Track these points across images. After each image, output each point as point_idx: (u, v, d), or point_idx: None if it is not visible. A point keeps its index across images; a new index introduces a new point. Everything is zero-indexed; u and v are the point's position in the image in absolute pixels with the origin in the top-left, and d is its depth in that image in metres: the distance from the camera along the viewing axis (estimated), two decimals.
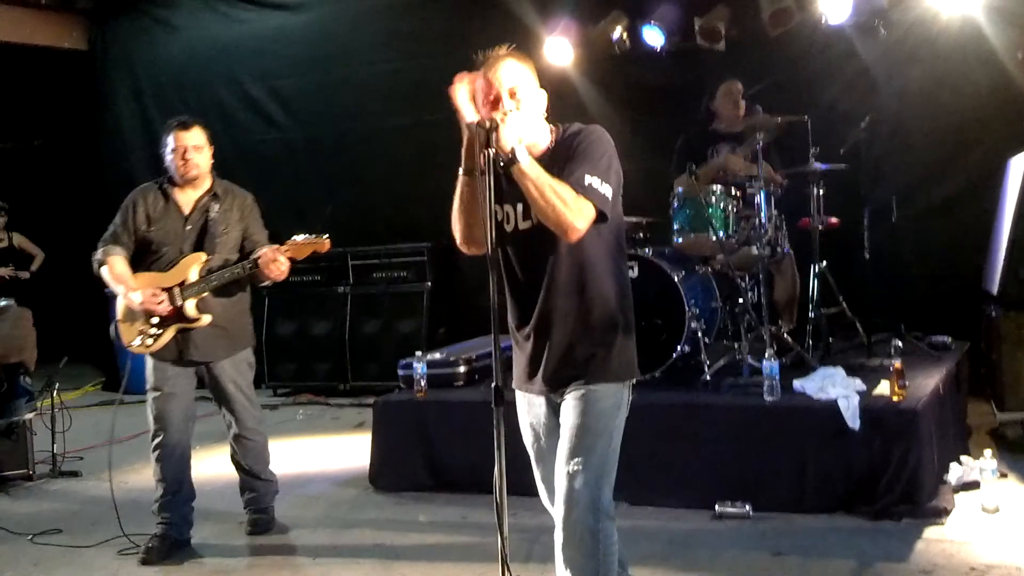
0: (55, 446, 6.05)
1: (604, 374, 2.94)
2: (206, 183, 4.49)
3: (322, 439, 6.77)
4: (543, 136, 2.97)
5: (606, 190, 2.82)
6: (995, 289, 5.49)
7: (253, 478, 4.65)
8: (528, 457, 3.10)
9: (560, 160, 2.89)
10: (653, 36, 7.47)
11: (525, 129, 2.84)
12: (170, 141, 4.40)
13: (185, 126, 4.38)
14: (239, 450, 4.60)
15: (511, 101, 2.85)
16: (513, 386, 3.09)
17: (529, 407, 3.07)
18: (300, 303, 8.52)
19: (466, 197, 2.91)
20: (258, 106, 9.37)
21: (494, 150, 2.71)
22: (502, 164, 2.78)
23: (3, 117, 10.55)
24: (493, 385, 2.62)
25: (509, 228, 2.95)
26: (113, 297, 4.56)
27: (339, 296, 8.42)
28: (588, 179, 2.80)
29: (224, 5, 9.50)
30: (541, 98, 2.96)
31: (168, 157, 4.42)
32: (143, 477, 5.25)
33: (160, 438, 4.42)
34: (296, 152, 9.18)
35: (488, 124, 2.72)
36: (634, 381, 3.05)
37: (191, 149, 4.37)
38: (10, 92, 10.25)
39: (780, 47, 7.17)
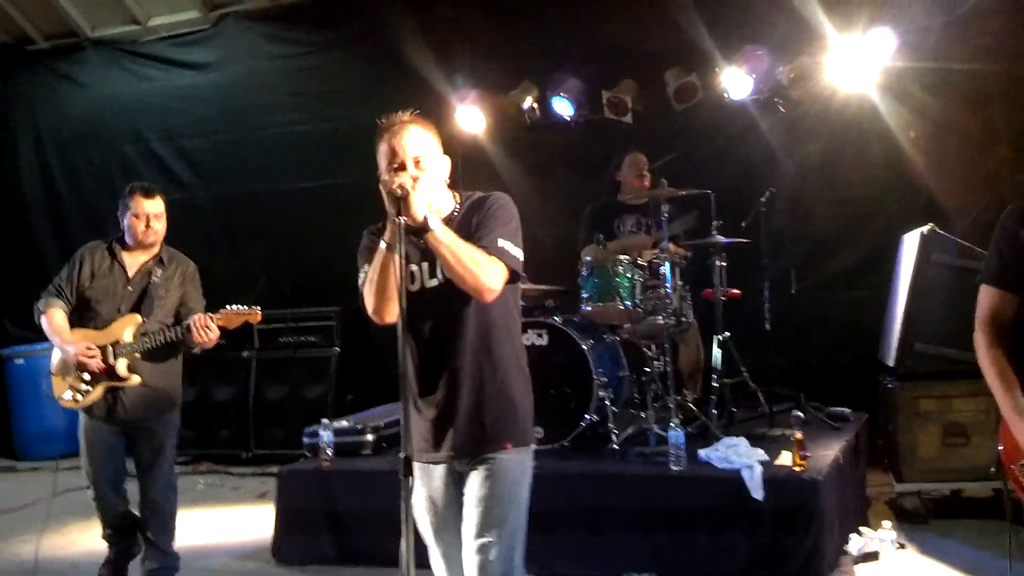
0: None
1: (512, 439, 2.93)
2: (155, 248, 4.59)
3: (223, 510, 6.57)
4: (446, 202, 3.00)
5: (517, 252, 2.89)
6: (891, 361, 5.66)
7: (157, 550, 4.53)
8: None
9: (466, 225, 2.92)
10: (562, 107, 7.62)
11: (433, 192, 2.87)
12: (132, 205, 4.48)
13: (148, 193, 4.50)
14: (148, 517, 4.52)
15: (415, 169, 2.86)
16: (412, 453, 3.04)
17: (428, 479, 3.00)
18: (202, 367, 8.19)
19: (381, 268, 2.89)
20: (164, 164, 9.19)
21: (405, 218, 2.71)
22: (414, 232, 2.77)
23: None
24: (402, 455, 2.58)
25: (415, 288, 2.94)
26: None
27: (243, 361, 8.19)
28: (501, 242, 2.85)
29: (132, 63, 9.34)
30: (444, 164, 2.99)
31: (127, 219, 4.50)
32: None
33: (94, 494, 4.48)
34: (202, 212, 9.00)
35: (400, 192, 2.73)
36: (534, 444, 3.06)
37: (153, 217, 4.50)
38: None
39: (685, 121, 7.39)
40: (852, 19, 6.64)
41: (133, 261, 4.55)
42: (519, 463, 2.95)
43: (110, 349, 4.37)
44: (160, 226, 4.55)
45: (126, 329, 4.41)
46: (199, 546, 5.54)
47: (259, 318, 4.48)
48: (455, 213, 2.99)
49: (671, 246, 5.73)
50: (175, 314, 4.53)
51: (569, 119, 7.68)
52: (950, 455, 5.21)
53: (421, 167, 2.87)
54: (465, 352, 2.92)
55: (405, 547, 2.57)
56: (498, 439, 2.91)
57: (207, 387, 8.25)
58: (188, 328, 4.34)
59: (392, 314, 2.87)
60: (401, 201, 2.72)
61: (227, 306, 4.42)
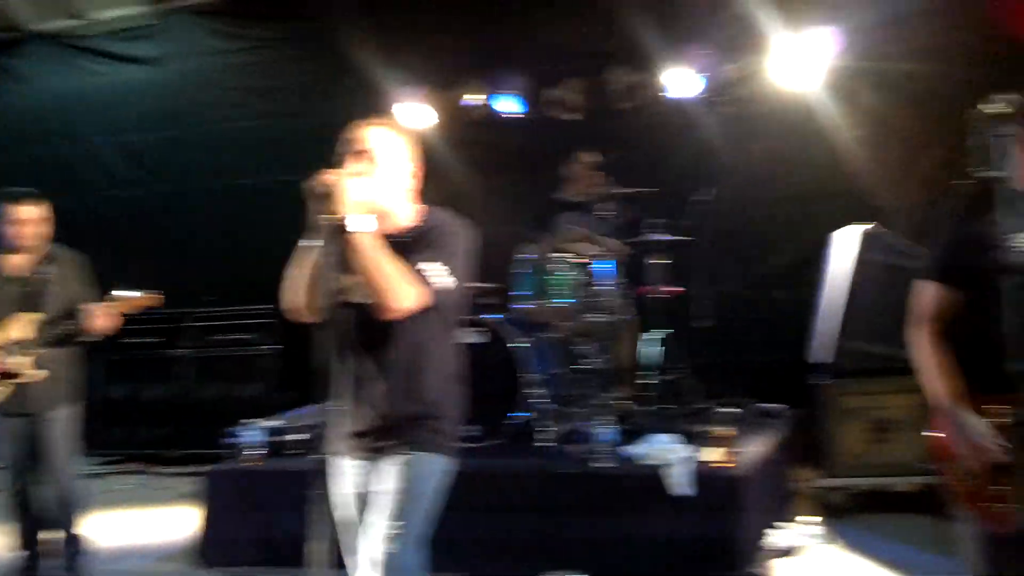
0: None
1: (430, 443, 2.93)
2: (41, 250, 4.66)
3: (149, 510, 6.47)
4: (404, 211, 2.97)
5: (447, 282, 2.83)
6: (821, 358, 5.70)
7: (68, 543, 4.56)
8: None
9: (419, 243, 2.89)
10: (509, 105, 7.62)
11: (374, 197, 2.82)
12: (5, 212, 4.59)
13: (18, 200, 4.59)
14: (50, 499, 4.55)
15: (358, 165, 2.84)
16: (334, 451, 3.03)
17: (351, 476, 3.01)
18: (135, 366, 8.12)
19: (303, 265, 2.86)
20: (105, 161, 9.08)
21: (330, 215, 2.67)
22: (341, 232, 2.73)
23: None
24: (325, 454, 2.55)
25: (350, 297, 2.90)
26: None
27: (178, 359, 8.08)
28: (431, 267, 2.81)
29: (75, 57, 9.22)
30: (404, 170, 2.95)
31: (3, 226, 4.61)
32: None
33: (8, 492, 4.56)
34: (145, 208, 8.89)
35: (321, 188, 2.68)
36: (457, 453, 3.05)
37: (27, 222, 4.59)
38: None
39: (630, 120, 7.40)
40: (795, 19, 6.68)
41: (21, 262, 4.64)
42: (437, 465, 2.96)
43: (11, 347, 4.47)
44: (38, 230, 4.63)
45: (22, 327, 4.50)
46: (123, 547, 5.46)
47: (160, 301, 4.68)
48: (414, 229, 2.97)
49: (613, 242, 5.74)
50: (70, 307, 4.58)
51: (515, 117, 7.68)
52: (877, 451, 5.27)
53: (369, 164, 2.85)
54: (395, 351, 2.90)
55: (318, 547, 2.56)
56: (420, 441, 2.91)
57: (139, 386, 8.13)
58: (82, 318, 4.47)
59: (312, 313, 2.85)
60: (325, 198, 2.68)
61: (116, 292, 4.55)
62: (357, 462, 2.98)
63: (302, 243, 2.81)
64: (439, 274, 2.82)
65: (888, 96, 6.82)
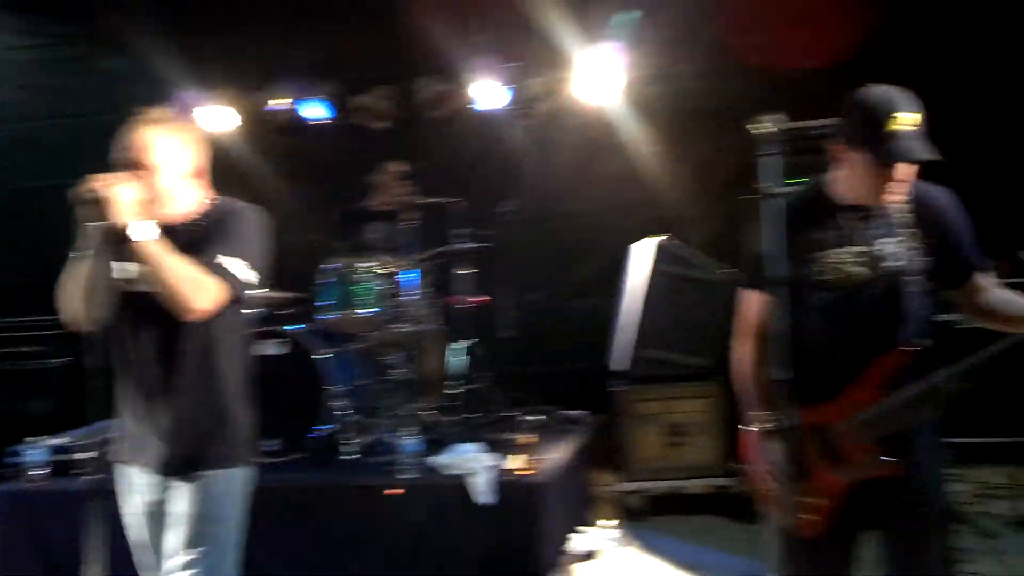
0: None
1: (226, 458, 2.84)
2: None
3: None
4: (188, 201, 2.86)
5: (245, 274, 2.75)
6: (622, 366, 5.89)
7: None
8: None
9: (208, 234, 2.80)
10: (316, 111, 7.51)
11: (149, 199, 2.72)
12: None
13: None
14: None
15: (132, 168, 2.73)
16: (124, 466, 2.92)
17: (141, 494, 2.89)
18: None
19: (76, 275, 2.73)
20: None
21: (101, 222, 2.58)
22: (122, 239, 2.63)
23: None
24: (112, 471, 2.42)
25: (131, 288, 2.78)
26: None
27: None
28: (227, 260, 2.73)
29: None
30: (184, 161, 2.84)
31: None
32: None
33: None
34: None
35: (89, 195, 2.59)
36: (256, 462, 2.97)
37: None
38: None
39: (437, 130, 7.44)
40: (595, 35, 6.89)
41: None
42: (233, 481, 2.86)
43: None
44: None
45: None
46: None
47: None
48: (201, 219, 2.86)
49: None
50: None
51: (322, 123, 7.57)
52: (672, 454, 5.48)
53: (144, 168, 2.74)
54: (184, 364, 2.80)
55: (95, 571, 2.43)
56: (213, 457, 2.82)
57: None
58: None
59: (90, 322, 2.72)
60: (94, 205, 2.56)
61: None
62: (149, 478, 2.86)
63: (72, 253, 2.68)
64: (238, 268, 2.74)
65: (684, 112, 7.14)
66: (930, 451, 2.74)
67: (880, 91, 2.60)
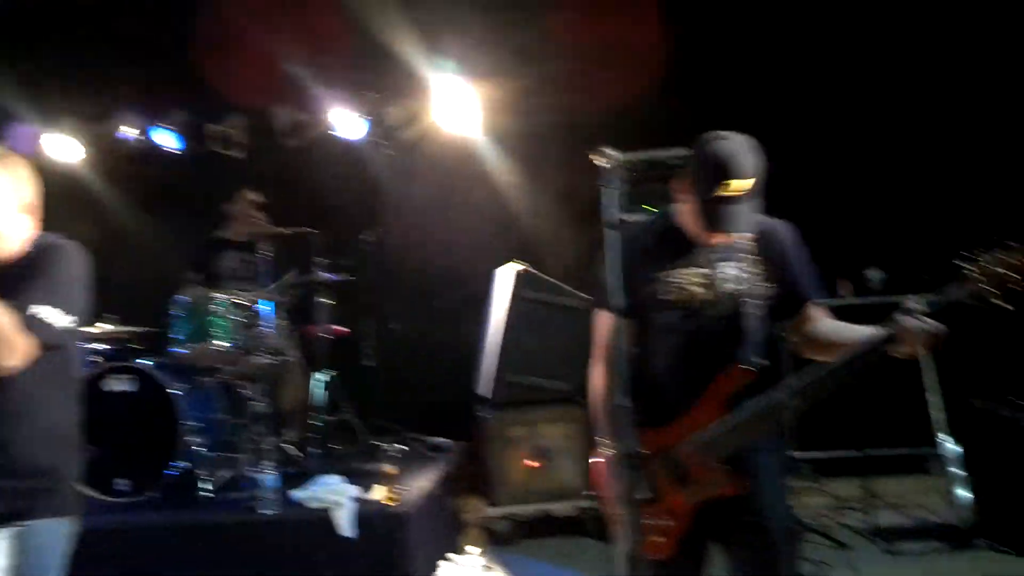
0: None
1: (47, 508, 2.68)
2: None
3: None
4: (15, 239, 2.71)
5: (59, 320, 2.61)
6: (486, 392, 5.90)
7: None
8: None
9: (23, 276, 2.64)
10: (167, 139, 7.31)
11: None
12: None
13: None
14: None
15: None
16: None
17: None
18: None
19: None
20: None
21: None
22: None
23: None
24: None
25: None
26: None
27: None
28: (40, 309, 2.58)
29: None
30: (15, 197, 2.69)
31: None
32: None
33: None
34: None
35: None
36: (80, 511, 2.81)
37: None
38: None
39: (296, 158, 7.34)
40: (450, 65, 6.94)
41: None
42: (55, 532, 2.70)
43: None
44: None
45: None
46: None
47: None
48: (18, 261, 2.70)
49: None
50: None
51: (175, 152, 7.37)
52: (537, 478, 5.51)
53: None
54: (5, 405, 2.63)
55: None
56: (30, 510, 2.65)
57: None
58: None
59: None
60: None
61: None
62: None
63: None
64: (53, 316, 2.60)
65: (542, 143, 7.26)
66: (773, 468, 2.81)
67: (720, 147, 2.66)
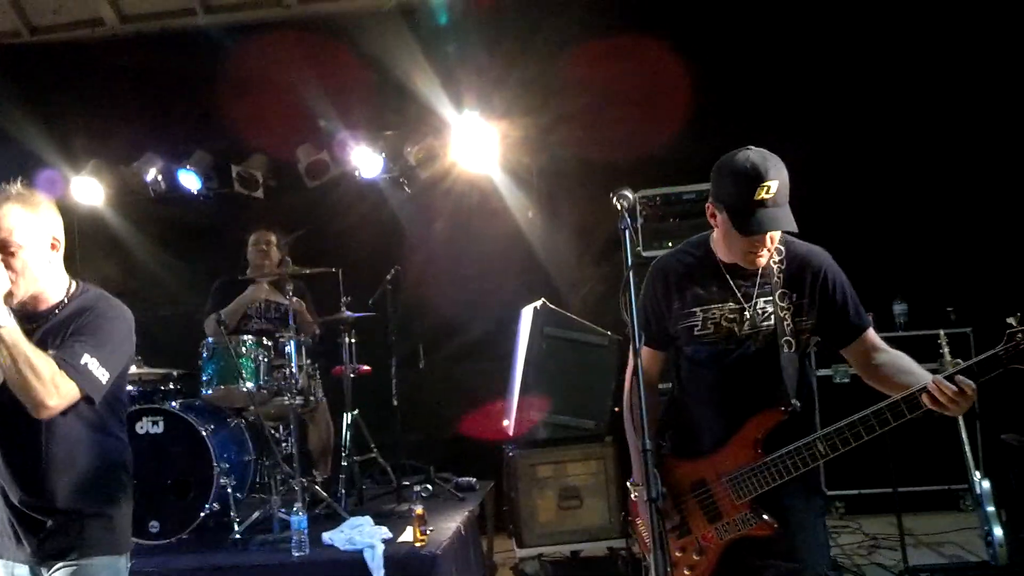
0: None
1: (99, 546, 2.71)
2: None
3: None
4: (54, 289, 2.75)
5: (101, 373, 2.64)
6: (515, 431, 5.87)
7: None
8: None
9: (66, 324, 2.68)
10: (189, 180, 7.38)
11: (18, 283, 2.62)
12: None
13: None
14: None
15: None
16: None
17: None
18: None
19: None
20: None
21: None
22: None
23: None
24: None
25: None
26: None
27: None
28: (84, 359, 2.60)
29: None
30: (43, 248, 2.71)
31: None
32: None
33: None
34: None
35: None
36: (130, 551, 2.85)
37: None
38: None
39: (317, 197, 7.39)
40: (469, 104, 7.01)
41: None
42: (106, 568, 2.73)
43: None
44: None
45: None
46: None
47: None
48: (59, 308, 2.74)
49: (303, 310, 5.69)
50: None
51: (197, 192, 7.43)
52: (566, 518, 5.46)
53: (10, 251, 2.61)
54: (53, 448, 2.67)
55: None
56: (84, 547, 2.69)
57: None
58: None
59: None
60: None
61: None
62: (19, 568, 2.71)
63: None
64: (95, 368, 2.63)
65: (560, 179, 7.31)
66: (807, 510, 2.81)
67: (745, 158, 2.66)
